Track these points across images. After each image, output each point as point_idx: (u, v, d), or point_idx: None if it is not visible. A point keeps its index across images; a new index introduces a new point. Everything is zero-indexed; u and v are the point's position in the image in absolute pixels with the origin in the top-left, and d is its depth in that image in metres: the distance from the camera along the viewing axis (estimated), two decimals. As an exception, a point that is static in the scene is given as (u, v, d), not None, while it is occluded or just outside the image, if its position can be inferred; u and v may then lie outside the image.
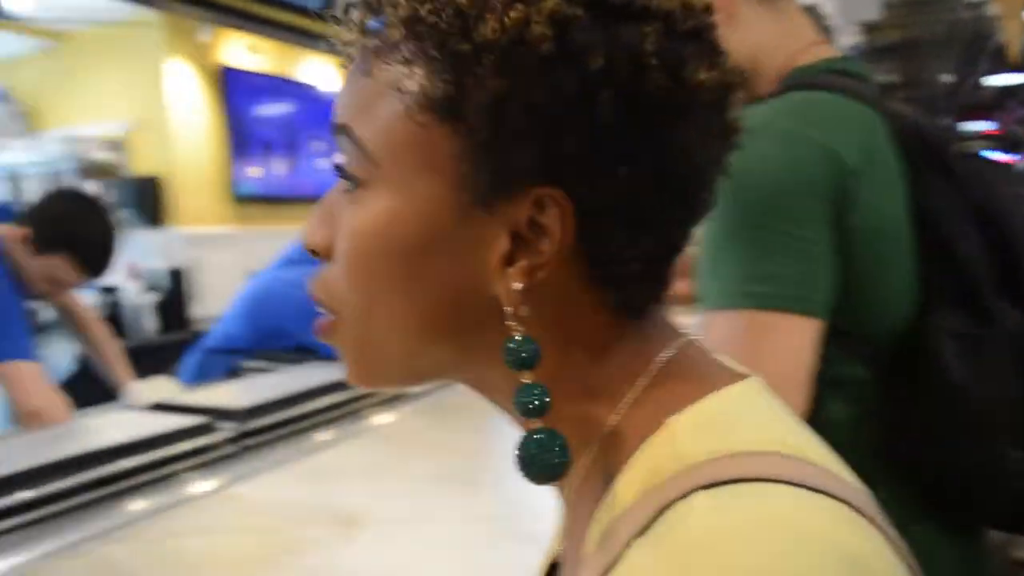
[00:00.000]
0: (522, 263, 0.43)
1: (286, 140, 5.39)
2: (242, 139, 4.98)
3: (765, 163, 0.92)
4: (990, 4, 6.08)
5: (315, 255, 0.49)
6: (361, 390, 2.13)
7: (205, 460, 1.70)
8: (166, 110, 4.55)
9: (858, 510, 0.38)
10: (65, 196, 2.36)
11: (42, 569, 1.24)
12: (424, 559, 1.26)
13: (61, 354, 3.70)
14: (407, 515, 1.45)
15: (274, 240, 3.52)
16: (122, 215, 4.41)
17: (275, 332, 2.61)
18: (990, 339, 1.13)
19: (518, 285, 0.43)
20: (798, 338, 0.91)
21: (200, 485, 1.59)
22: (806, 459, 0.40)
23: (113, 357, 2.65)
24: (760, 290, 0.92)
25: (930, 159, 1.01)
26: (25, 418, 2.00)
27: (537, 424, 0.43)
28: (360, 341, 0.48)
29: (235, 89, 4.96)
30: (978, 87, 9.04)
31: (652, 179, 0.42)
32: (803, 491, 0.37)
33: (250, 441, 1.82)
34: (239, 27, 4.46)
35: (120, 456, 1.56)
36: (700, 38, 0.43)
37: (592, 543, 0.42)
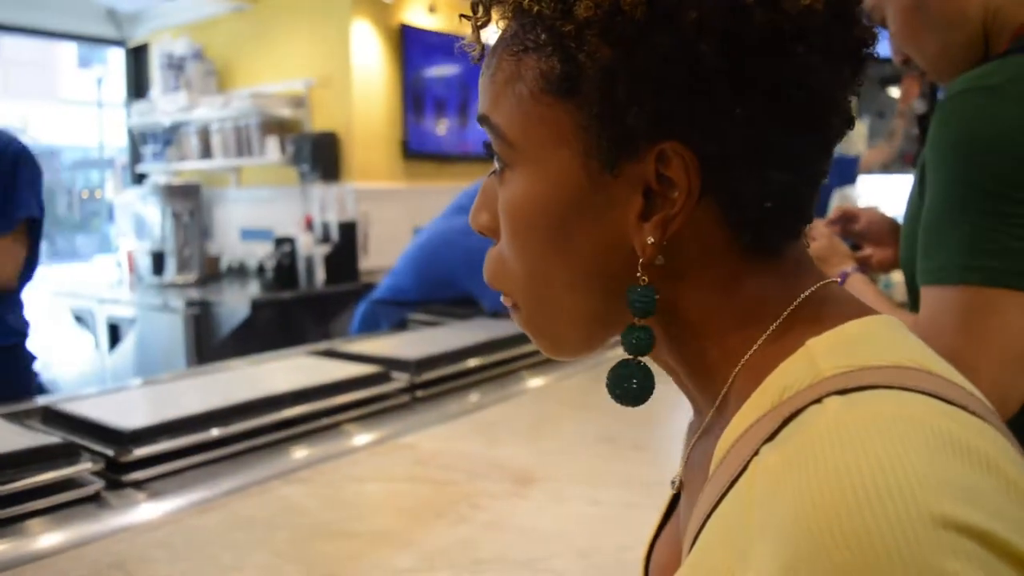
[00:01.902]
0: (656, 217, 0.45)
1: (458, 98, 5.43)
2: (416, 97, 5.06)
3: (1007, 127, 0.84)
4: None
5: (484, 235, 0.54)
6: (517, 350, 2.12)
7: (379, 408, 1.73)
8: (347, 68, 4.67)
9: (991, 424, 0.38)
10: None
11: (225, 504, 1.29)
12: (595, 521, 1.22)
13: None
14: (577, 475, 1.41)
15: (441, 196, 3.57)
16: (300, 170, 4.59)
17: (442, 281, 2.63)
18: None
19: (651, 239, 0.45)
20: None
21: (374, 433, 1.61)
22: (937, 374, 0.41)
23: None
24: (990, 264, 0.83)
25: None
26: None
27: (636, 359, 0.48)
28: (535, 313, 0.52)
29: (413, 48, 5.04)
30: None
31: (770, 115, 0.43)
32: (932, 399, 0.38)
33: (420, 392, 1.84)
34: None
35: (300, 400, 1.60)
36: None
37: (721, 452, 0.44)
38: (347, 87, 4.67)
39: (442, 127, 5.30)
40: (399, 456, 1.50)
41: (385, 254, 4.46)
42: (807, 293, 0.47)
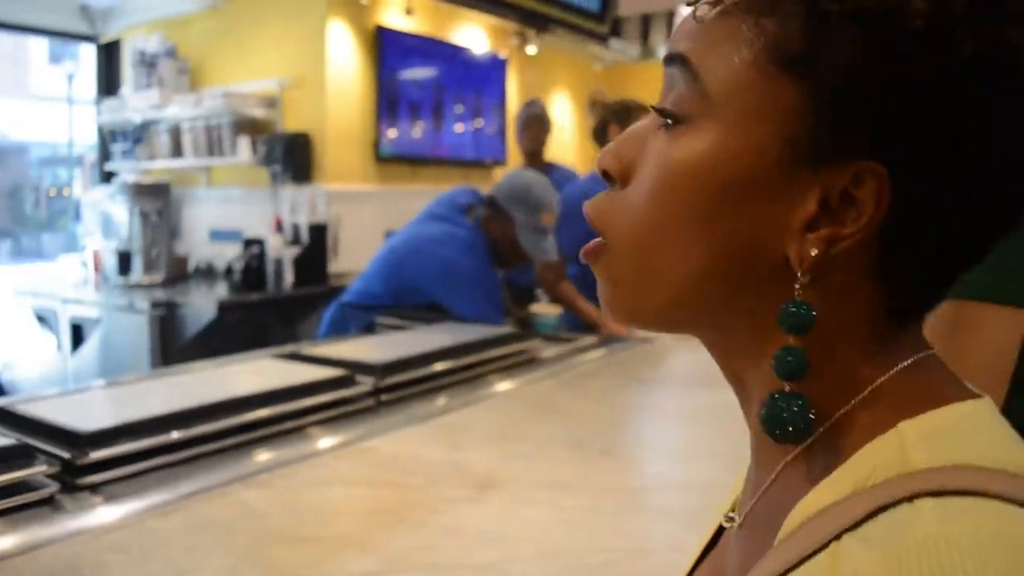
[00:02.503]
0: (823, 231, 0.42)
1: (433, 101, 5.43)
2: (391, 99, 5.05)
3: None
4: None
5: (607, 179, 0.50)
6: (485, 354, 2.12)
7: (343, 412, 1.72)
8: (321, 69, 4.64)
9: None
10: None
11: (183, 507, 1.27)
12: (556, 526, 1.22)
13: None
14: (540, 480, 1.41)
15: (414, 200, 3.56)
16: (272, 171, 4.56)
17: (411, 288, 2.62)
18: None
19: (814, 251, 0.42)
20: (1002, 330, 0.83)
21: (337, 437, 1.60)
22: None
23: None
24: (971, 278, 0.84)
25: None
26: None
27: (788, 386, 0.44)
28: (635, 272, 0.48)
29: (388, 50, 5.03)
30: None
31: (992, 193, 0.41)
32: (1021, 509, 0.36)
33: (385, 396, 1.83)
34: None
35: (263, 403, 1.59)
36: None
37: (793, 523, 0.42)
38: (321, 88, 4.65)
39: (417, 130, 5.29)
40: (362, 460, 1.49)
41: (356, 257, 4.44)
42: (907, 363, 0.44)
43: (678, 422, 1.88)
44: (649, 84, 7.33)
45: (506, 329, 2.39)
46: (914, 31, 0.39)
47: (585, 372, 2.25)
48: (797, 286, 0.43)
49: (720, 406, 1.96)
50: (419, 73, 5.20)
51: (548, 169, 3.64)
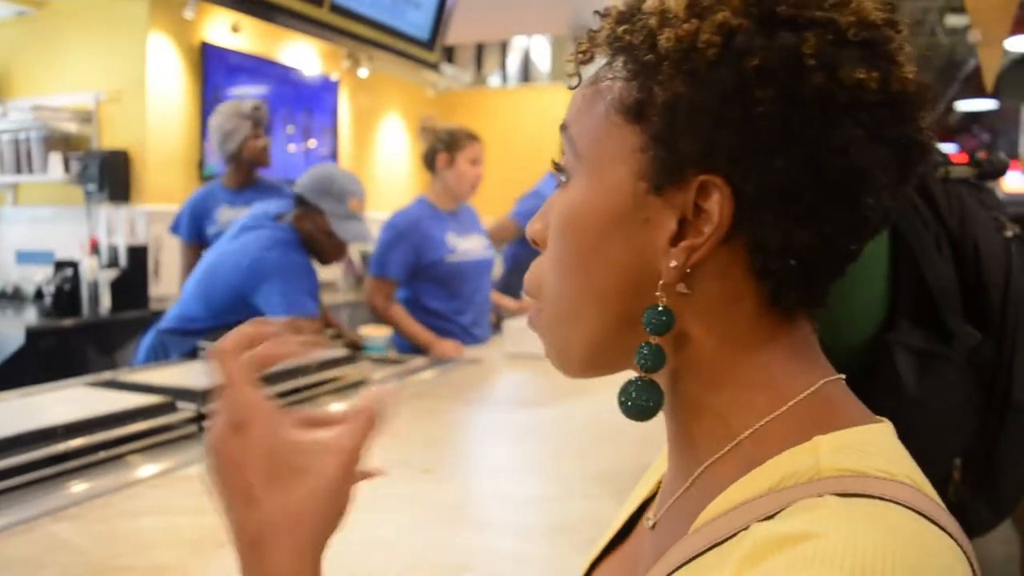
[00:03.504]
0: (684, 243, 0.49)
1: (260, 122, 5.33)
2: (215, 118, 4.92)
3: None
4: (971, 31, 6.18)
5: (535, 245, 0.59)
6: (319, 376, 2.12)
7: (163, 440, 1.67)
8: (141, 84, 4.47)
9: (959, 544, 0.43)
10: None
11: (-12, 542, 1.21)
12: (383, 544, 1.25)
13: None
14: (364, 500, 1.43)
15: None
16: (87, 189, 4.33)
17: (229, 303, 2.56)
18: (947, 357, 1.17)
19: (674, 263, 0.49)
20: None
21: (157, 465, 1.56)
22: (922, 491, 0.45)
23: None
24: None
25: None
26: None
27: (645, 376, 0.51)
28: (557, 319, 0.55)
29: (214, 67, 4.90)
30: (948, 111, 9.16)
31: (807, 173, 0.46)
32: (917, 515, 0.42)
33: (208, 423, 1.79)
34: (224, 4, 4.40)
35: (75, 433, 1.52)
36: (871, 46, 0.47)
37: (708, 516, 0.48)
38: (141, 104, 4.48)
39: (244, 150, 5.17)
40: (182, 488, 1.46)
41: (178, 280, 4.28)
42: (819, 385, 0.50)
43: (502, 440, 1.95)
44: (481, 110, 7.50)
45: (336, 352, 2.39)
46: (708, 60, 0.46)
47: (413, 393, 2.29)
48: (658, 292, 0.50)
49: (541, 424, 2.05)
50: (246, 92, 5.09)
51: None
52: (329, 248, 2.63)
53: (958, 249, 1.23)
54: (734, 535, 0.45)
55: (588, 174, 0.53)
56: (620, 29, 0.51)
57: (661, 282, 0.50)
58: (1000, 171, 1.15)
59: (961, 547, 0.43)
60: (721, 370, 0.51)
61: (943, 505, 0.46)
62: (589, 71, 0.56)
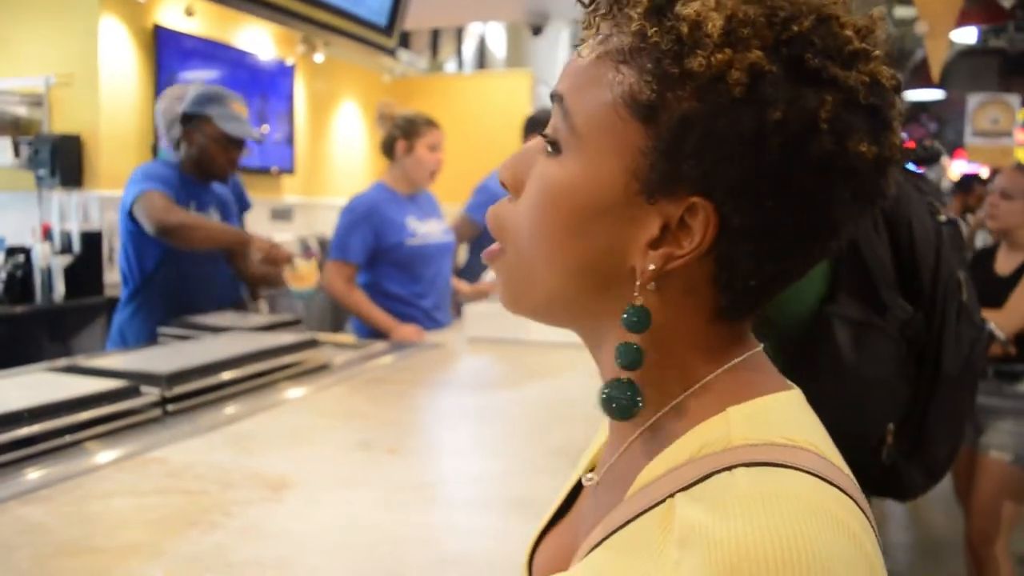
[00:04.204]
0: (663, 250, 0.52)
1: (214, 107, 5.27)
2: (169, 103, 4.86)
3: None
4: (918, 22, 6.33)
5: (504, 187, 0.60)
6: (275, 361, 2.15)
7: (129, 423, 1.69)
8: (94, 67, 4.40)
9: (856, 502, 0.48)
10: None
11: (-43, 525, 1.22)
12: (347, 521, 1.28)
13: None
14: (333, 480, 1.47)
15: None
16: (38, 174, 4.26)
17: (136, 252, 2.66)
18: (881, 328, 1.27)
19: (652, 266, 0.52)
20: None
21: (122, 449, 1.58)
22: (824, 456, 0.50)
23: None
24: None
25: None
26: None
27: (624, 375, 0.54)
28: (519, 269, 0.58)
29: (167, 50, 4.84)
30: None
31: (792, 220, 0.50)
32: (818, 479, 0.47)
33: (172, 407, 1.81)
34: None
35: (38, 418, 1.53)
36: (877, 113, 0.50)
37: (638, 485, 0.53)
38: (93, 87, 4.41)
39: (198, 135, 5.12)
40: (149, 470, 1.48)
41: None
42: (737, 360, 0.55)
43: (461, 421, 1.99)
44: (437, 96, 7.49)
45: (298, 336, 2.41)
46: (735, 96, 0.47)
47: (375, 377, 2.32)
48: (636, 293, 0.53)
49: (501, 406, 2.10)
50: (200, 76, 5.04)
51: None
52: (222, 155, 2.69)
53: (893, 230, 1.32)
54: (661, 502, 0.49)
55: (583, 157, 0.53)
56: (650, 27, 0.50)
57: (638, 282, 0.52)
58: (932, 159, 1.22)
59: (859, 506, 0.48)
60: (665, 351, 0.55)
61: (844, 468, 0.51)
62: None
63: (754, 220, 0.50)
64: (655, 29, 0.49)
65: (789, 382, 0.57)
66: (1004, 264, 2.95)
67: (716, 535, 0.44)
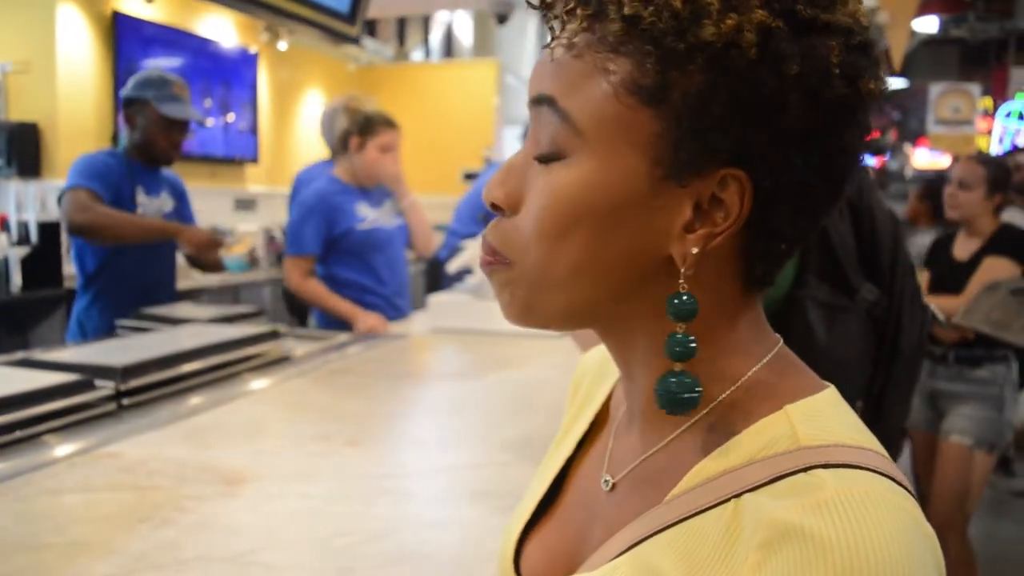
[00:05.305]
0: (701, 231, 0.50)
1: (176, 95, 5.20)
2: (129, 91, 4.78)
3: None
4: (879, 12, 6.39)
5: (496, 209, 0.56)
6: (236, 353, 2.12)
7: (81, 418, 1.66)
8: (51, 55, 4.32)
9: (907, 489, 0.48)
10: None
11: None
12: (304, 514, 1.27)
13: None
14: (290, 473, 1.45)
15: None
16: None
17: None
18: (849, 309, 1.32)
19: (695, 249, 0.50)
20: None
21: (75, 444, 1.55)
22: (886, 456, 0.49)
23: None
24: None
25: None
26: None
27: (679, 367, 0.51)
28: (535, 285, 0.54)
29: (127, 38, 4.75)
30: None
31: (820, 170, 0.50)
32: (891, 481, 0.47)
33: (128, 400, 1.78)
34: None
35: (-12, 411, 1.50)
36: (868, 51, 0.50)
37: (689, 484, 0.51)
38: (51, 75, 4.33)
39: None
40: (102, 465, 1.46)
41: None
42: (773, 352, 0.54)
43: (424, 412, 1.98)
44: (403, 85, 7.45)
45: (258, 328, 2.38)
46: (749, 59, 0.46)
47: (338, 368, 2.30)
48: (681, 280, 0.50)
49: (465, 397, 2.09)
50: (161, 63, 4.96)
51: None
52: (164, 138, 2.69)
53: (857, 215, 1.36)
54: (722, 502, 0.48)
55: (593, 156, 0.50)
56: (645, 11, 0.48)
57: (682, 270, 0.50)
58: (883, 150, 1.25)
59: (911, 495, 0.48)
60: (707, 340, 0.52)
61: (895, 464, 0.50)
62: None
63: (786, 179, 0.49)
64: (650, 10, 0.47)
65: (818, 377, 0.56)
66: (962, 250, 3.01)
67: (822, 537, 0.42)
